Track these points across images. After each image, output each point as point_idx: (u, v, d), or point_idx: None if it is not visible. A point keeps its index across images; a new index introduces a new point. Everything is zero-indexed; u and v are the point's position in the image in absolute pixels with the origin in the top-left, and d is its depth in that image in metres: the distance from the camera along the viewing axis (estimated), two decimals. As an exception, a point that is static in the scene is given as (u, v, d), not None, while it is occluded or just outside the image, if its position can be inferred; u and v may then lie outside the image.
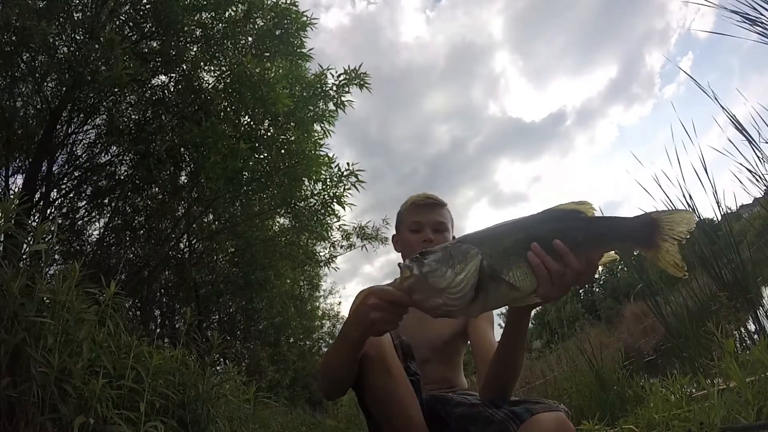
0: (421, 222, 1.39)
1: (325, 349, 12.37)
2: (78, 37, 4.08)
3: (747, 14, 2.12)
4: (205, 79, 4.76)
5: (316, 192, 5.15)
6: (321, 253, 6.85)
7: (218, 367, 3.92)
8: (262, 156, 4.68)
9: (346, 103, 4.83)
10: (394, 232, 1.51)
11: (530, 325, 1.06)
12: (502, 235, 0.85)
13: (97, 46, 3.69)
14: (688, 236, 0.82)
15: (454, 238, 1.44)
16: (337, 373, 1.01)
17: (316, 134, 4.96)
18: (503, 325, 1.07)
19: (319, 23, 4.90)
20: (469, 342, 1.37)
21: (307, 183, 4.97)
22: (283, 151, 4.59)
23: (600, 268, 0.85)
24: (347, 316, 1.25)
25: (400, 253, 1.46)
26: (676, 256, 0.81)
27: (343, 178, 4.97)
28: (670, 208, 0.81)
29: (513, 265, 0.81)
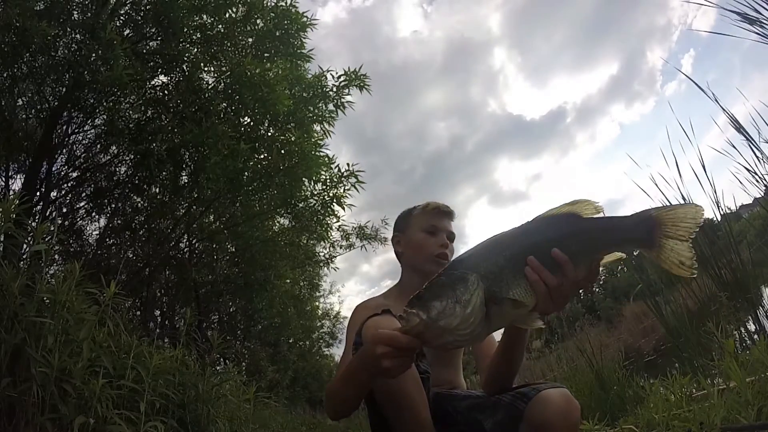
0: (438, 227, 1.40)
1: (325, 350, 12.42)
2: (78, 38, 4.08)
3: (746, 14, 2.12)
4: (205, 79, 4.77)
5: (316, 192, 5.15)
6: (321, 253, 6.86)
7: (218, 367, 3.92)
8: (262, 156, 4.68)
9: (346, 104, 4.84)
10: (395, 232, 1.48)
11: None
12: (496, 252, 0.79)
13: (97, 46, 3.69)
14: (696, 231, 0.74)
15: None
16: (346, 401, 1.02)
17: (316, 135, 4.96)
18: None
19: (314, 19, 4.91)
20: None
21: (307, 183, 4.97)
22: (283, 151, 4.59)
23: (602, 270, 0.83)
24: (347, 337, 1.24)
25: (402, 252, 1.44)
26: (683, 254, 0.75)
27: (342, 178, 4.97)
28: (673, 204, 0.71)
29: (512, 284, 0.77)
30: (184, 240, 5.91)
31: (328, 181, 5.03)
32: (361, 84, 4.76)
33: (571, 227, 0.79)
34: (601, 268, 0.80)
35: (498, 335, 1.16)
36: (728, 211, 2.73)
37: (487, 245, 0.82)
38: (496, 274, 0.77)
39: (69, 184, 4.98)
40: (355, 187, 4.97)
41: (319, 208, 5.21)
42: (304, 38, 4.89)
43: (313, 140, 4.80)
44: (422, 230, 1.40)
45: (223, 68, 4.59)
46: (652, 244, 0.76)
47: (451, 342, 0.77)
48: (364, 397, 1.02)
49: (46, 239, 1.70)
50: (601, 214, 0.80)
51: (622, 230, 0.79)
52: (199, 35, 4.56)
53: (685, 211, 0.76)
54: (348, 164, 5.01)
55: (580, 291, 0.81)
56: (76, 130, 4.77)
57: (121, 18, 4.45)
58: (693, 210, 0.76)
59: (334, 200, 5.09)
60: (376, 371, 0.85)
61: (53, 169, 4.59)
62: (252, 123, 4.71)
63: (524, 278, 0.77)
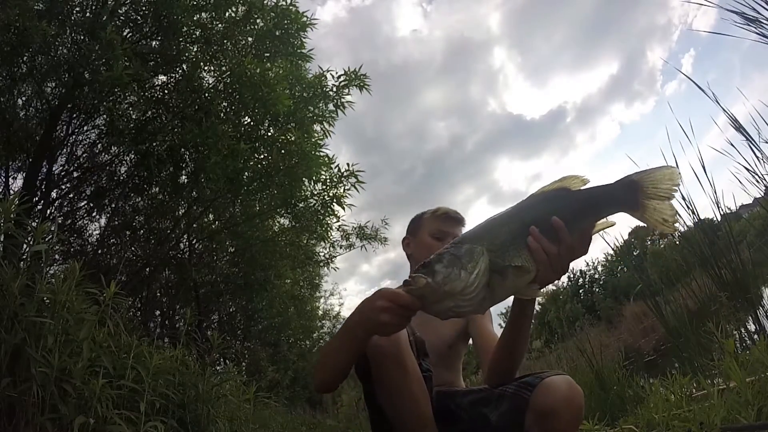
0: (446, 232, 1.44)
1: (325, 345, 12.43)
2: (78, 38, 4.08)
3: (746, 14, 2.12)
4: (205, 79, 4.76)
5: (316, 192, 5.15)
6: (321, 253, 6.85)
7: (218, 367, 3.92)
8: (262, 156, 4.68)
9: (346, 104, 4.84)
10: (406, 234, 1.54)
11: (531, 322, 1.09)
12: (497, 227, 0.86)
13: (97, 46, 3.69)
14: (676, 191, 0.81)
15: None
16: (336, 366, 1.01)
17: (316, 135, 4.96)
18: (503, 325, 1.09)
19: (314, 19, 4.90)
20: (470, 340, 1.40)
21: (307, 183, 4.97)
22: (283, 151, 4.59)
23: (595, 236, 0.87)
24: (353, 312, 1.27)
25: (410, 254, 1.50)
26: (665, 212, 0.80)
27: (342, 178, 4.97)
28: (652, 167, 0.81)
29: (514, 255, 0.82)
30: (184, 240, 5.91)
31: (328, 181, 5.03)
32: (361, 84, 4.76)
33: (562, 200, 0.85)
34: (593, 235, 0.86)
35: (498, 333, 1.17)
36: (728, 211, 2.72)
37: (487, 223, 0.88)
38: (499, 247, 0.82)
39: (69, 184, 4.98)
40: (355, 187, 4.97)
41: (319, 208, 5.20)
42: (304, 38, 4.89)
43: (313, 140, 4.80)
44: (430, 235, 1.46)
45: (223, 68, 4.59)
46: (637, 206, 0.82)
47: (450, 308, 0.81)
48: (354, 366, 1.02)
49: (46, 239, 1.70)
50: (588, 186, 0.85)
51: (608, 196, 0.84)
52: (198, 34, 4.55)
53: (663, 173, 0.81)
54: (348, 164, 5.01)
55: (574, 260, 0.86)
56: (76, 130, 4.77)
57: (121, 18, 4.44)
58: (670, 171, 0.81)
59: (334, 200, 5.09)
60: (373, 325, 0.86)
61: (53, 169, 4.59)
62: (252, 123, 4.70)
63: (525, 249, 0.82)
